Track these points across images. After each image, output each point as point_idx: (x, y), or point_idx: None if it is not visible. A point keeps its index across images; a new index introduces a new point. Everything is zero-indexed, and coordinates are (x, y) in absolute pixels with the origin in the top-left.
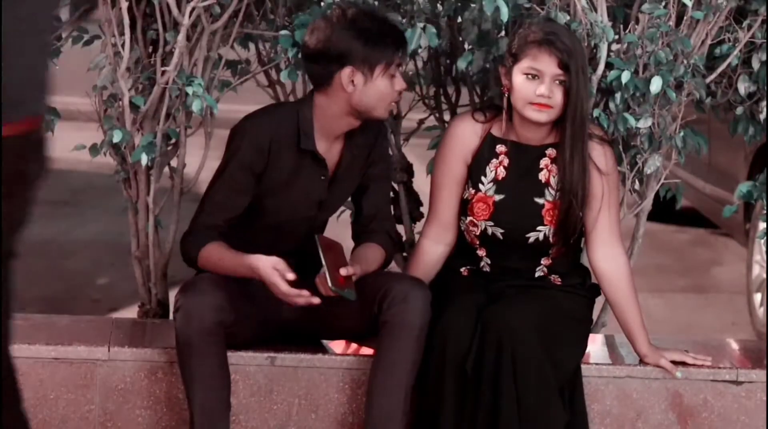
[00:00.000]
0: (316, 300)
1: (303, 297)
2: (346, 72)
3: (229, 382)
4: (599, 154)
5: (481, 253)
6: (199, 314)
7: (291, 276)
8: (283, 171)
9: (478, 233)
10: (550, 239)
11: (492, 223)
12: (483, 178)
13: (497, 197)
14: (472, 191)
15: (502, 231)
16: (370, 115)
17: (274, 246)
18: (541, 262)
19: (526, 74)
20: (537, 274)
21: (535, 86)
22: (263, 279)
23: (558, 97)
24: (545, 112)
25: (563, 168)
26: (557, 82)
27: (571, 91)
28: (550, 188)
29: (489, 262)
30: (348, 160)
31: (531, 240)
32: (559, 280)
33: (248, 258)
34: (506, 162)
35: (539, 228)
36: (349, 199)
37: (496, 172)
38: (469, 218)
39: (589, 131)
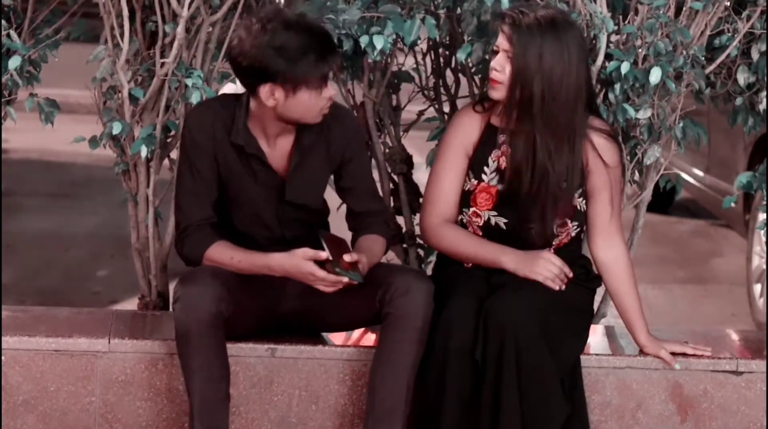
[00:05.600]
0: (355, 281)
1: (342, 282)
2: (265, 88)
3: (228, 373)
4: (606, 149)
5: None
6: (198, 305)
7: (324, 254)
8: (231, 159)
9: (481, 224)
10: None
11: (495, 214)
12: (486, 167)
13: (500, 187)
14: (475, 182)
15: (505, 221)
16: (299, 123)
17: (257, 235)
18: None
19: (494, 50)
20: None
21: None
22: (295, 273)
23: (508, 72)
24: (495, 89)
25: (511, 152)
26: (508, 57)
27: (518, 68)
28: None
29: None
30: (297, 160)
31: (534, 231)
32: None
33: (270, 258)
34: (508, 151)
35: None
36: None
37: (498, 162)
38: (472, 209)
39: (596, 126)
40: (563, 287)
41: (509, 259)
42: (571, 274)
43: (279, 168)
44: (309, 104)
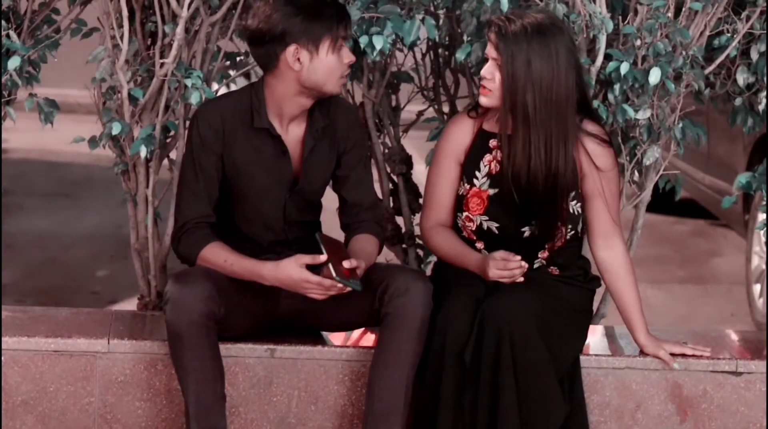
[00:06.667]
0: (347, 288)
1: (337, 287)
2: (290, 50)
3: (222, 373)
4: (599, 154)
5: (479, 246)
6: (188, 305)
7: (323, 257)
8: (242, 151)
9: (474, 228)
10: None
11: (487, 218)
12: (477, 172)
13: (491, 191)
14: (467, 187)
15: (497, 225)
16: (321, 91)
17: (258, 237)
18: (539, 255)
19: (486, 58)
20: (535, 266)
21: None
22: (287, 282)
23: (498, 80)
24: (485, 96)
25: (507, 157)
26: (497, 65)
27: (506, 76)
28: None
29: (487, 255)
30: (311, 144)
31: (526, 234)
32: (557, 271)
33: (263, 266)
34: (500, 156)
35: (534, 222)
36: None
37: (490, 167)
38: (465, 214)
39: (589, 131)
40: (524, 271)
41: (473, 267)
42: (520, 260)
43: (293, 155)
44: (331, 66)
